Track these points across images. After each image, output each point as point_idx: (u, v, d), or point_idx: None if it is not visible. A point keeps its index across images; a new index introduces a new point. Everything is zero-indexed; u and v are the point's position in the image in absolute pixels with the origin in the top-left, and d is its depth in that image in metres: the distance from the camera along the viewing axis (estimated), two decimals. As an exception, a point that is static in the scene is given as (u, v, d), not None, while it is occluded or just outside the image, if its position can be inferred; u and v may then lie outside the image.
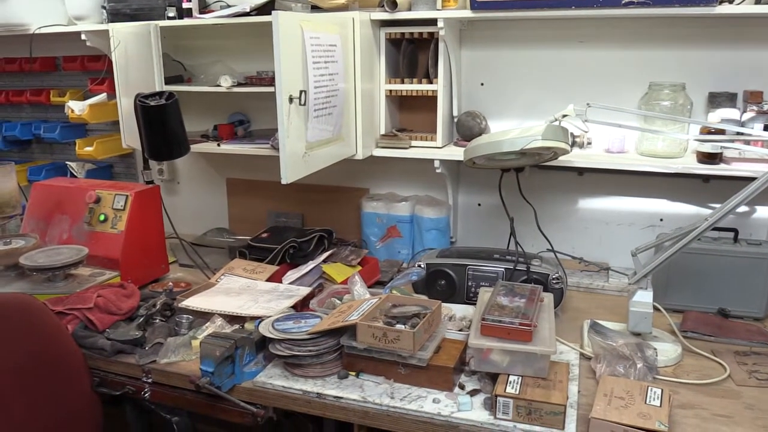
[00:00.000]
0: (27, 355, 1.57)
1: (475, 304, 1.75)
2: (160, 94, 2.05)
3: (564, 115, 1.70)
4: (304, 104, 1.75)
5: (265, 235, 2.23)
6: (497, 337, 1.44)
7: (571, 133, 1.82)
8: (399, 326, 1.48)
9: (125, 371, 1.66)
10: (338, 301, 1.76)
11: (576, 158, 1.99)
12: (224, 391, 1.49)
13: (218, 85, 2.27)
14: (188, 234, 2.48)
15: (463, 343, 1.55)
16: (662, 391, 1.37)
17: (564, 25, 2.11)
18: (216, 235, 2.60)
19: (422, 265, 1.92)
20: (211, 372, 1.46)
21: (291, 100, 1.69)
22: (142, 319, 1.74)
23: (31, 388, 1.56)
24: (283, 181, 1.74)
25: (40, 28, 2.51)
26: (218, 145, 2.35)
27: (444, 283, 1.91)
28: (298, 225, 2.55)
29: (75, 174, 2.81)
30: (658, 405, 1.33)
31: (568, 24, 2.10)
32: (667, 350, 1.62)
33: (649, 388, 1.39)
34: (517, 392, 1.35)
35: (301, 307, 1.81)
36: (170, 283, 2.01)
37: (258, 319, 1.66)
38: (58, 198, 2.16)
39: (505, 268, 1.86)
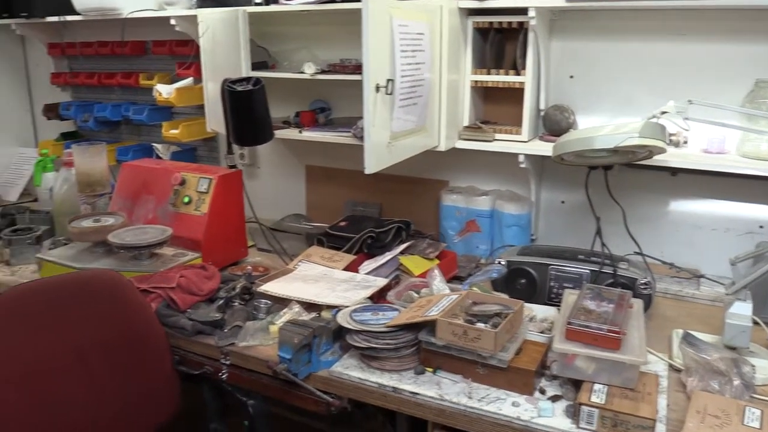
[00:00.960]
0: (113, 329, 1.62)
1: (556, 305, 1.70)
2: (247, 79, 2.06)
3: (663, 112, 1.61)
4: (391, 93, 1.73)
5: (343, 223, 2.23)
6: (583, 342, 1.38)
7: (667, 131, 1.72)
8: (480, 325, 1.44)
9: (204, 351, 1.69)
10: (416, 295, 1.74)
11: (671, 158, 1.88)
12: (300, 378, 1.49)
13: (302, 72, 2.28)
14: (266, 219, 2.50)
15: (545, 346, 1.50)
16: (762, 412, 1.28)
17: (663, 16, 1.99)
18: (293, 221, 2.61)
19: (503, 263, 1.86)
20: (288, 359, 1.46)
21: (378, 88, 1.67)
22: (222, 302, 1.76)
23: (115, 362, 1.61)
24: (367, 171, 1.72)
25: (131, 12, 2.57)
26: (300, 131, 2.35)
27: (524, 282, 1.85)
28: (376, 215, 2.54)
29: (160, 155, 2.89)
30: (758, 427, 1.24)
31: (668, 15, 1.98)
32: (765, 367, 1.51)
33: (747, 408, 1.29)
34: (603, 402, 1.29)
35: (378, 298, 1.80)
36: (249, 267, 2.03)
37: (335, 308, 1.66)
38: (145, 179, 2.22)
39: (591, 270, 1.78)
